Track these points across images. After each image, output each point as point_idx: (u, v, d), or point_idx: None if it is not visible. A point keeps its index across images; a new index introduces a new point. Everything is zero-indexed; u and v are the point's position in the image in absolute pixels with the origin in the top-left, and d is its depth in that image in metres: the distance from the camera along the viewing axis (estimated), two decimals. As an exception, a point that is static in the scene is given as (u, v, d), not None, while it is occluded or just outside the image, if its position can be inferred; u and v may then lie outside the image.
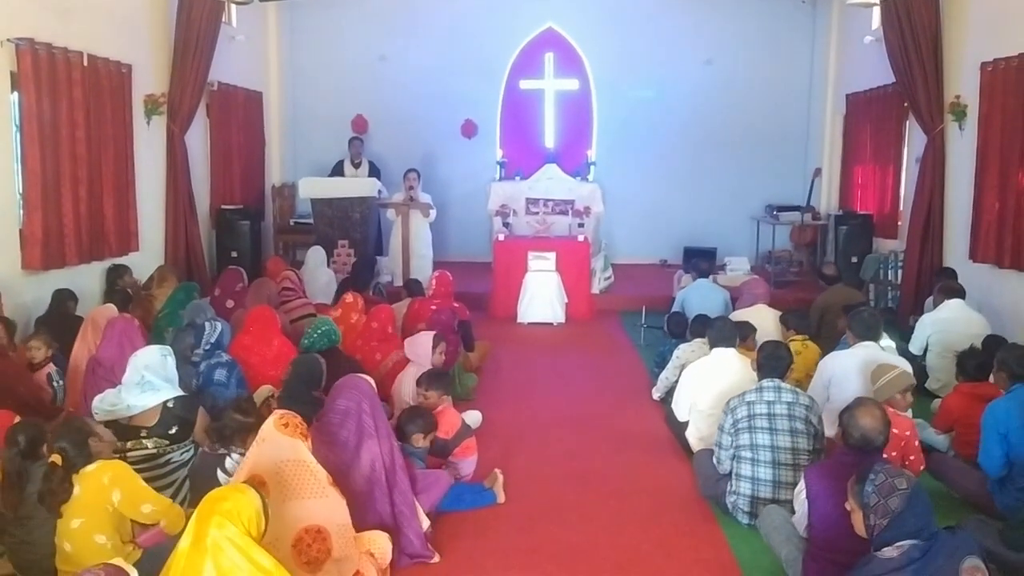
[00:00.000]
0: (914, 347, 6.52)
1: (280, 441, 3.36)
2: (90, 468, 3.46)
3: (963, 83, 8.12)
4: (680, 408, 5.37)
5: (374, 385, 4.13)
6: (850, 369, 4.97)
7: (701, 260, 9.44)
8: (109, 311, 5.87)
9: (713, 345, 5.37)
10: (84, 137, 7.33)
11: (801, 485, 3.73)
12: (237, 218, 10.00)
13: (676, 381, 6.32)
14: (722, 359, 5.25)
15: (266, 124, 11.63)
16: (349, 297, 6.54)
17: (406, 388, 5.29)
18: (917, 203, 8.71)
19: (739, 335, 5.56)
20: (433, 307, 6.94)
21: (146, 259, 8.29)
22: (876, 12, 10.30)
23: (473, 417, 5.62)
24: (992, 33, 7.64)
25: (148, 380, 4.28)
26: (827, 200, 11.79)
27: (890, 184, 9.92)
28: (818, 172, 11.69)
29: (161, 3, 8.78)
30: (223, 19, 10.26)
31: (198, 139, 9.72)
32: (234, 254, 9.90)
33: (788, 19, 12.06)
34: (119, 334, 5.16)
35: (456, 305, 7.07)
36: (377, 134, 12.29)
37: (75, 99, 7.20)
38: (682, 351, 6.29)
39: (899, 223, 9.73)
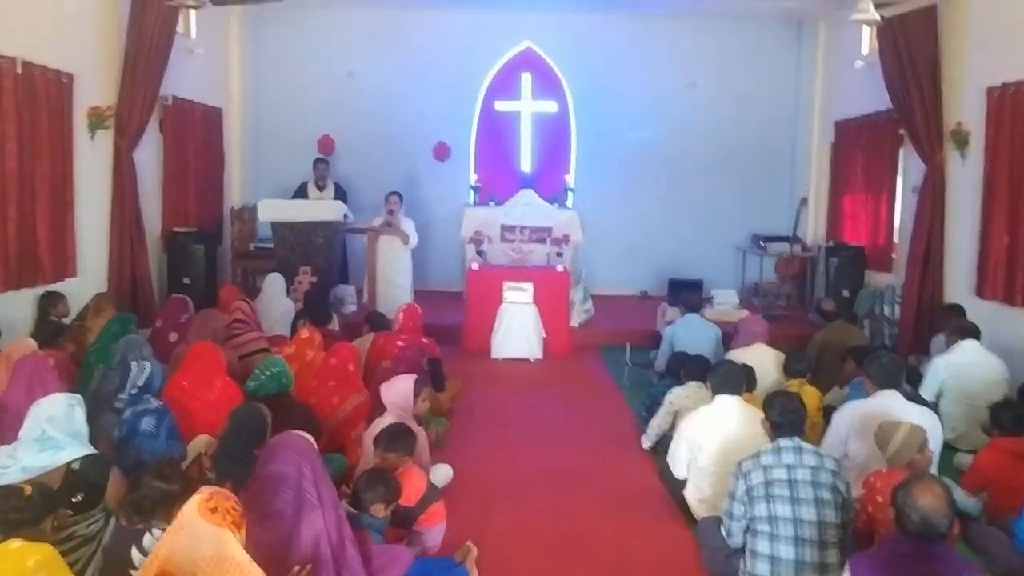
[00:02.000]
0: (927, 393, 5.93)
1: (201, 531, 2.64)
2: (12, 545, 2.69)
3: (965, 109, 7.63)
4: (677, 464, 4.70)
5: (314, 443, 3.42)
6: (872, 422, 4.33)
7: (688, 293, 8.82)
8: (26, 346, 5.11)
9: (716, 392, 4.72)
10: (15, 151, 6.58)
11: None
12: (191, 242, 9.24)
13: (669, 429, 5.71)
14: (725, 409, 4.60)
15: (226, 143, 10.90)
16: (305, 332, 5.82)
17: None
18: (915, 235, 8.18)
19: (744, 381, 4.91)
20: (399, 343, 6.24)
21: (85, 286, 7.50)
22: (866, 37, 9.87)
23: (442, 473, 4.91)
24: (997, 56, 7.16)
25: (49, 436, 3.54)
26: (814, 230, 11.27)
27: (883, 215, 9.41)
28: (804, 201, 11.19)
29: (110, 10, 8.05)
30: (180, 30, 9.61)
31: (149, 157, 8.97)
32: (186, 281, 9.13)
33: (773, 42, 11.60)
34: (29, 375, 4.42)
35: (425, 341, 6.38)
36: (344, 155, 11.62)
37: (5, 109, 6.46)
38: (676, 396, 5.64)
39: (893, 256, 9.21)
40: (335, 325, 6.99)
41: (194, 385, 5.08)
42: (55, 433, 3.56)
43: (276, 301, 8.16)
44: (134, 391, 4.47)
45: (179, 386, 5.07)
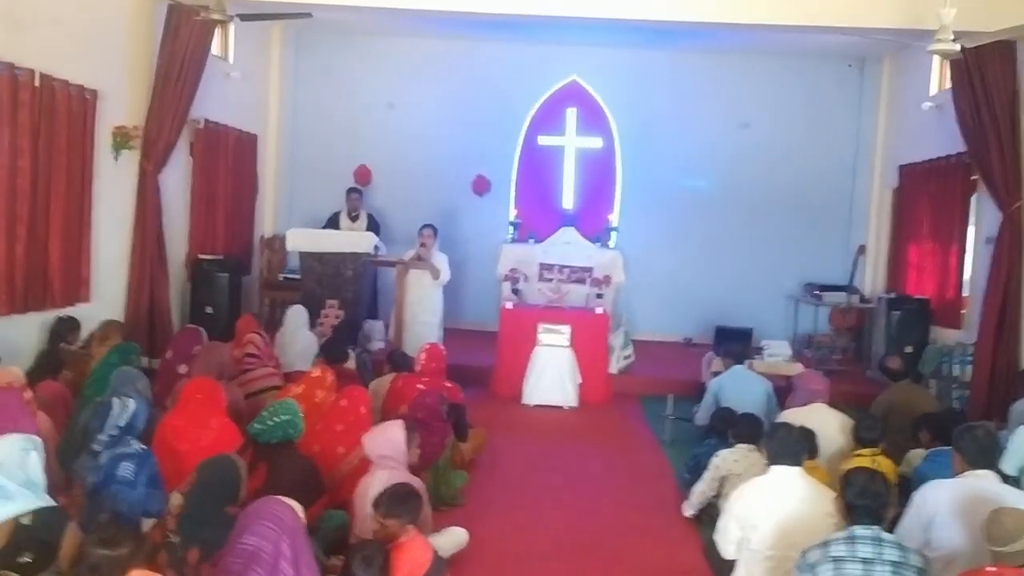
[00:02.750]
0: (1009, 467, 5.18)
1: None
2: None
3: (1049, 153, 6.95)
4: (726, 543, 4.05)
5: (301, 515, 2.88)
6: (962, 507, 3.66)
7: (735, 343, 8.17)
8: (9, 375, 4.66)
9: (772, 460, 4.08)
10: (28, 167, 6.23)
11: None
12: (215, 270, 8.85)
13: (714, 496, 5.07)
14: (784, 482, 3.95)
15: (260, 169, 10.58)
16: (316, 371, 5.30)
17: (372, 495, 4.01)
18: (990, 289, 7.46)
19: (806, 448, 4.27)
20: (420, 386, 5.69)
21: (100, 312, 7.06)
22: (935, 75, 9.25)
23: (455, 538, 4.32)
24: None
25: (-1, 485, 3.04)
26: (872, 281, 10.55)
27: (952, 266, 8.68)
28: (863, 249, 10.49)
29: (142, 26, 7.77)
30: (219, 53, 9.35)
31: (177, 180, 8.63)
32: (209, 310, 8.73)
33: (833, 82, 11.00)
34: (-1, 410, 3.94)
35: (448, 385, 5.83)
36: (381, 186, 11.22)
37: (20, 123, 6.12)
38: (723, 460, 5.00)
39: (963, 311, 8.47)
40: (352, 363, 6.46)
41: (188, 425, 4.60)
42: (4, 482, 3.06)
43: (298, 335, 7.67)
44: (114, 432, 3.98)
45: (171, 426, 4.60)
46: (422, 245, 8.29)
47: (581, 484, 5.87)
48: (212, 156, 9.16)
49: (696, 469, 5.50)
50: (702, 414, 6.73)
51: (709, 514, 5.08)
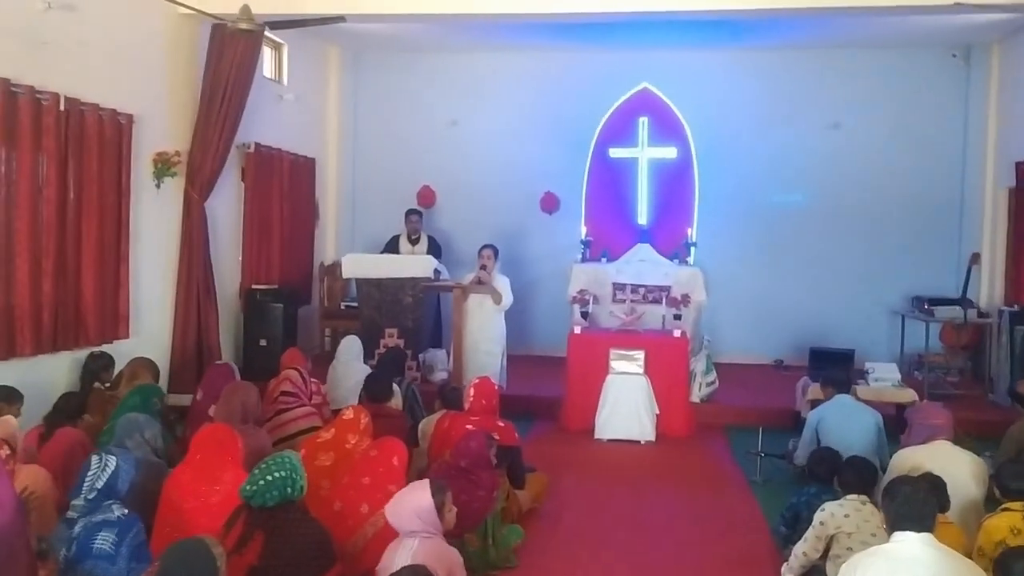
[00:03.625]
0: None
1: None
2: None
3: None
4: (838, 632, 3.14)
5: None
6: None
7: (835, 367, 7.16)
8: (6, 426, 4.12)
9: (894, 525, 3.14)
10: (54, 197, 5.79)
11: None
12: (270, 300, 8.35)
13: (819, 559, 4.13)
14: (913, 553, 3.02)
15: (321, 194, 10.10)
16: (348, 412, 4.59)
17: (399, 566, 3.26)
18: None
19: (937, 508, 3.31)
20: (468, 427, 4.94)
21: (140, 349, 6.56)
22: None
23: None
24: None
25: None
26: (989, 292, 9.29)
27: (1088, 273, 7.46)
28: (976, 258, 9.30)
29: (184, 46, 7.37)
30: (271, 76, 8.91)
31: (228, 208, 8.20)
32: (263, 343, 8.24)
33: (934, 75, 9.85)
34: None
35: (501, 425, 5.05)
36: (445, 208, 10.60)
37: (44, 149, 5.69)
38: (830, 515, 4.06)
39: (1103, 324, 7.23)
40: (398, 401, 5.73)
41: (196, 480, 3.96)
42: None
43: (351, 368, 7.04)
44: (92, 495, 3.34)
45: (177, 483, 3.96)
46: (482, 267, 7.57)
47: (659, 538, 5.00)
48: (265, 181, 8.69)
49: (794, 522, 4.58)
50: (801, 452, 5.78)
51: (813, 581, 4.15)
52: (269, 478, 3.37)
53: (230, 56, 7.37)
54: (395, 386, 5.92)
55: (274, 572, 3.18)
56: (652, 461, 6.68)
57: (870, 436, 5.54)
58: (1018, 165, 8.65)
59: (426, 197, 10.60)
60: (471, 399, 5.06)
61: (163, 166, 7.00)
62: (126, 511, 3.36)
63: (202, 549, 2.66)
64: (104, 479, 3.35)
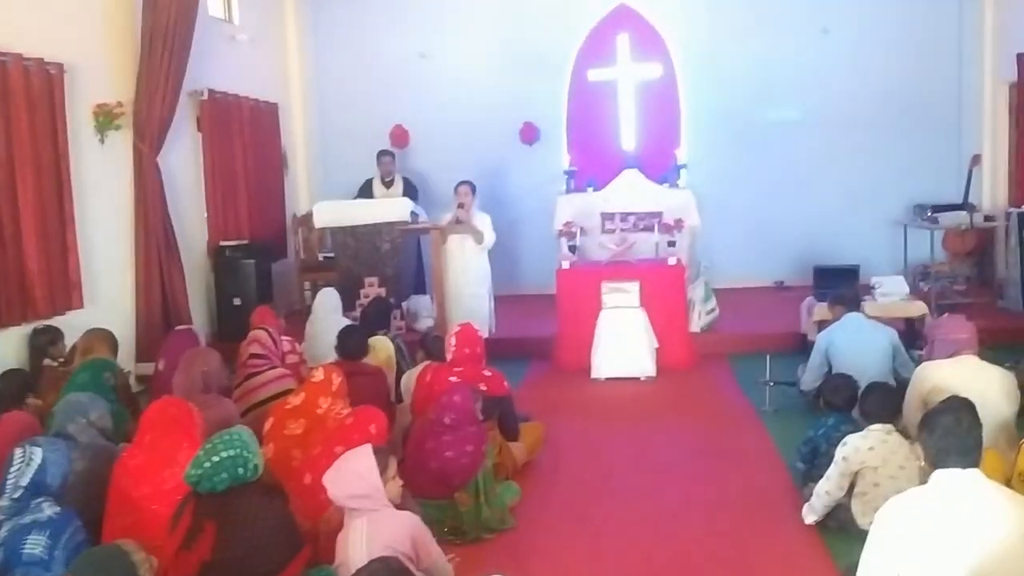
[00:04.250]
0: None
1: None
2: None
3: None
4: (878, 584, 2.72)
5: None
6: None
7: (842, 284, 6.71)
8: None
9: (936, 461, 2.71)
10: (-21, 160, 5.22)
11: None
12: (240, 257, 7.82)
13: (845, 498, 3.74)
14: (959, 492, 2.59)
15: (288, 141, 9.49)
16: (318, 373, 4.13)
17: (354, 556, 2.84)
18: None
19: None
20: (452, 378, 4.49)
21: (99, 319, 6.06)
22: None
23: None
24: None
25: None
26: (991, 195, 8.85)
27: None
28: (977, 160, 8.80)
29: (116, -12, 6.69)
30: (220, 16, 8.24)
31: (186, 161, 7.63)
32: (237, 302, 7.73)
33: (926, -33, 9.22)
34: None
35: (487, 374, 4.59)
36: (420, 147, 10.00)
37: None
38: (853, 449, 3.66)
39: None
40: (376, 357, 5.26)
41: (148, 463, 3.50)
42: None
43: (329, 323, 6.51)
44: (17, 494, 2.89)
45: (127, 467, 3.51)
46: (460, 206, 7.04)
47: (667, 481, 4.59)
48: (224, 130, 8.09)
49: (812, 456, 4.17)
50: (809, 376, 5.38)
51: (839, 520, 3.77)
52: (216, 459, 2.91)
53: (169, -7, 6.72)
54: (387, 339, 5.45)
55: (231, 566, 2.75)
56: (654, 398, 6.27)
57: (885, 356, 5.12)
58: (1019, 57, 8.09)
59: (399, 137, 9.99)
60: (453, 348, 4.59)
61: (105, 119, 6.40)
62: (59, 509, 2.91)
63: (118, 556, 2.22)
64: (29, 475, 2.90)
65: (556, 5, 9.59)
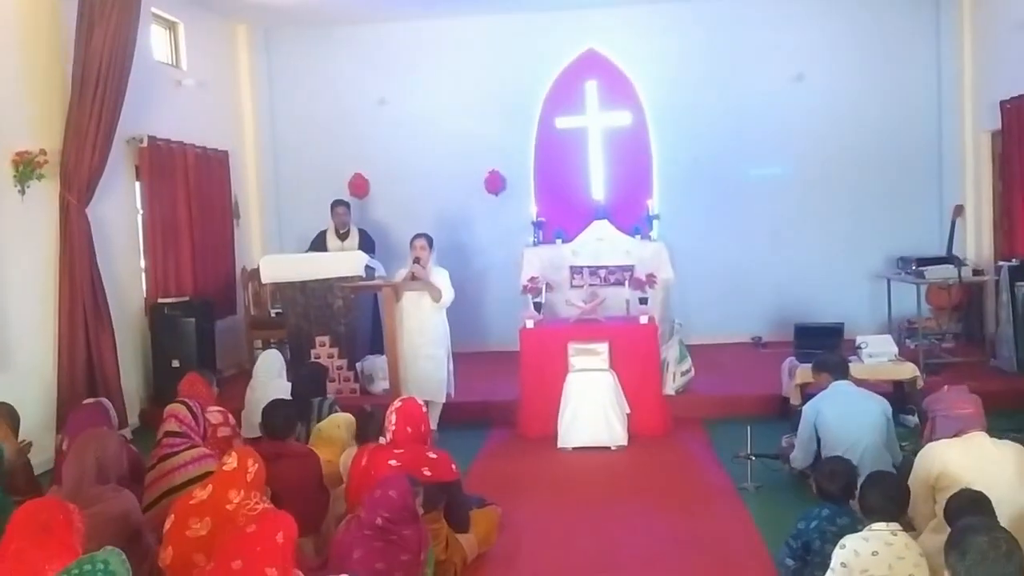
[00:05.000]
0: None
1: None
2: None
3: None
4: None
5: None
6: None
7: (824, 344, 6.23)
8: None
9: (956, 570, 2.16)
10: None
11: None
12: (180, 315, 7.20)
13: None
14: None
15: (239, 190, 8.94)
16: (231, 459, 3.51)
17: None
18: None
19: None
20: (392, 462, 3.88)
21: (16, 388, 5.43)
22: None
23: None
24: None
25: None
26: (976, 246, 8.44)
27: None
28: (960, 210, 8.44)
29: (44, 28, 6.16)
30: (166, 60, 7.75)
31: (122, 212, 7.10)
32: (175, 363, 7.09)
33: (901, 15, 8.93)
34: None
35: (432, 456, 3.98)
36: (380, 196, 9.50)
37: None
38: (853, 554, 3.08)
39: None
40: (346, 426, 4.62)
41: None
42: None
43: (271, 388, 5.95)
44: None
45: (-19, 587, 2.86)
46: (415, 260, 6.48)
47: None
48: (167, 179, 7.53)
49: (805, 552, 3.59)
50: (799, 454, 4.84)
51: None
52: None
53: (102, 32, 6.21)
54: (346, 416, 4.80)
55: None
56: (625, 471, 5.68)
57: (878, 430, 4.59)
58: (1002, 105, 7.74)
59: (358, 186, 9.48)
60: (393, 427, 3.99)
61: (25, 168, 5.83)
62: None
63: None
64: None
65: (522, 49, 9.21)
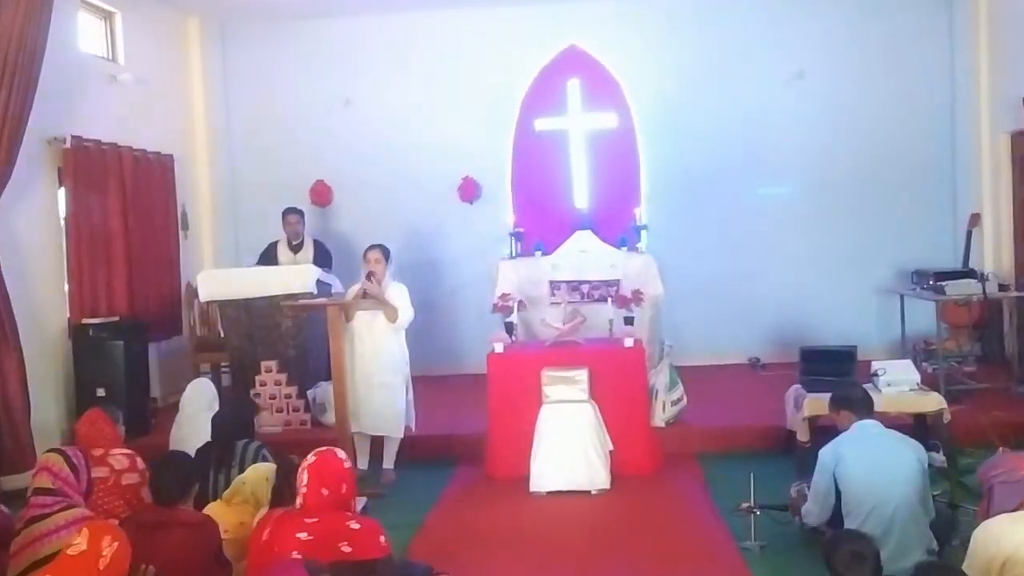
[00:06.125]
0: None
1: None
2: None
3: None
4: None
5: None
6: None
7: (834, 370, 5.37)
8: None
9: None
10: None
11: None
12: (106, 337, 6.30)
13: None
14: None
15: (188, 199, 8.07)
16: (80, 540, 2.62)
17: None
18: None
19: None
20: (302, 534, 2.98)
21: None
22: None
23: None
24: None
25: None
26: (995, 258, 7.61)
27: None
28: (976, 219, 7.63)
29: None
30: (101, 53, 6.90)
31: (40, 222, 6.20)
32: (100, 392, 6.20)
33: (909, 4, 8.12)
34: None
35: (354, 527, 3.06)
36: (345, 205, 8.64)
37: None
38: None
39: None
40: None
41: None
42: None
43: (198, 424, 5.07)
44: None
45: None
46: (369, 275, 5.60)
47: None
48: (97, 185, 6.64)
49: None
50: (814, 507, 3.96)
51: None
52: None
53: (9, 16, 5.36)
54: (266, 468, 3.88)
55: None
56: (607, 524, 4.78)
57: (914, 483, 3.72)
58: (1026, 103, 6.92)
59: (321, 194, 8.61)
60: (304, 488, 3.10)
61: (-90, 170, 4.95)
62: None
63: None
64: None
65: (499, 46, 8.38)
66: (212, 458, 4.31)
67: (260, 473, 3.98)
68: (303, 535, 3.00)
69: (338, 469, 3.15)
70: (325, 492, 3.09)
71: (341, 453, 3.22)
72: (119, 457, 4.37)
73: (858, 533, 3.11)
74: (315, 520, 3.05)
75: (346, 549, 2.98)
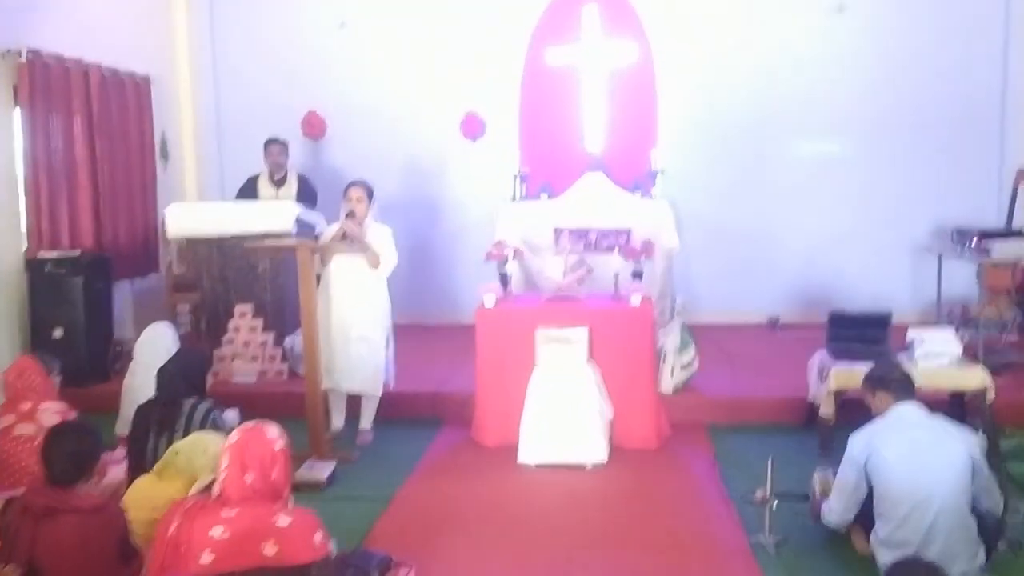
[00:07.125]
0: None
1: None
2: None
3: None
4: None
5: None
6: None
7: (866, 337, 4.72)
8: None
9: None
10: None
11: None
12: (64, 274, 5.72)
13: None
14: None
15: (169, 125, 7.42)
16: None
17: None
18: None
19: None
20: (216, 530, 2.40)
21: None
22: None
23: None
24: None
25: None
26: (1044, 217, 6.85)
27: None
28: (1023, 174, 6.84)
29: None
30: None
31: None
32: (58, 333, 5.65)
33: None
34: None
35: (281, 524, 2.45)
36: (338, 137, 7.92)
37: None
38: None
39: None
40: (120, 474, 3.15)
41: None
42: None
43: (152, 376, 4.48)
44: None
45: None
46: (349, 215, 4.96)
47: None
48: (59, 107, 5.99)
49: None
50: (838, 505, 3.36)
51: None
52: None
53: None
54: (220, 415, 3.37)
55: None
56: (601, 504, 4.20)
57: (961, 479, 3.11)
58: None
59: (314, 125, 7.90)
60: (224, 472, 2.51)
61: None
62: None
63: None
64: None
65: (509, -32, 7.57)
66: (153, 419, 3.74)
67: (200, 442, 3.38)
68: (218, 531, 2.42)
69: (267, 450, 2.54)
70: (249, 478, 2.49)
71: (273, 430, 2.62)
72: (49, 413, 3.85)
73: (929, 564, 2.48)
74: (234, 513, 2.46)
75: (270, 551, 2.40)
